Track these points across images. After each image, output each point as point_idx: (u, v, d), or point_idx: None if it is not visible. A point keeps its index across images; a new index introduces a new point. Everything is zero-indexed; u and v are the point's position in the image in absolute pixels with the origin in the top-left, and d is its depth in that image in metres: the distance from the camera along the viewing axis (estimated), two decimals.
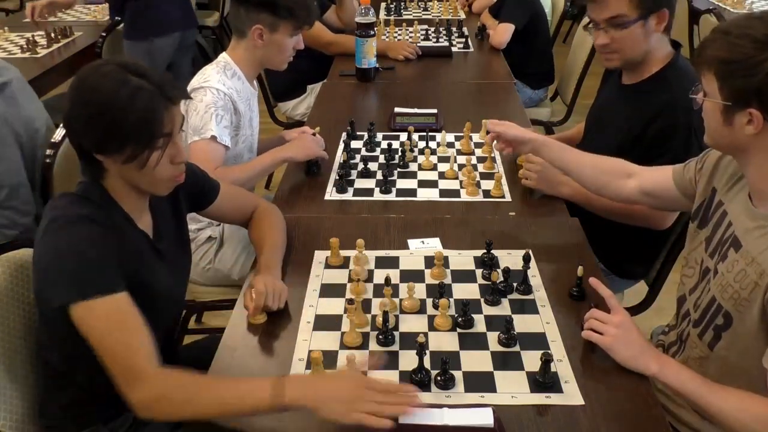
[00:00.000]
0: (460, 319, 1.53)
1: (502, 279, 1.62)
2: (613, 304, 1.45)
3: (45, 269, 1.33)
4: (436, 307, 1.57)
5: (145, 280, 1.41)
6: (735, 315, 1.37)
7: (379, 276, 1.68)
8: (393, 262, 1.76)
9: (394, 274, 1.69)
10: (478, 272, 1.72)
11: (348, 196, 2.11)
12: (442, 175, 2.21)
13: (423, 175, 2.22)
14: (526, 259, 1.64)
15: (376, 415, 1.17)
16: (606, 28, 1.96)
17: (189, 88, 2.15)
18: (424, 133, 2.40)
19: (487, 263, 1.72)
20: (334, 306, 1.59)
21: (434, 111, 2.61)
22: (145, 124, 1.32)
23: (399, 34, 3.75)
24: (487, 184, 2.13)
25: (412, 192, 2.12)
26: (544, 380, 1.35)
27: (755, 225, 1.36)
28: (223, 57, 2.25)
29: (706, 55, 1.33)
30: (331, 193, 2.12)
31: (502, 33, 3.52)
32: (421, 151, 2.31)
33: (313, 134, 2.32)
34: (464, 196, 2.09)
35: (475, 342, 1.48)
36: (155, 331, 1.40)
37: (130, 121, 1.31)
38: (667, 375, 1.37)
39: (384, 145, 2.37)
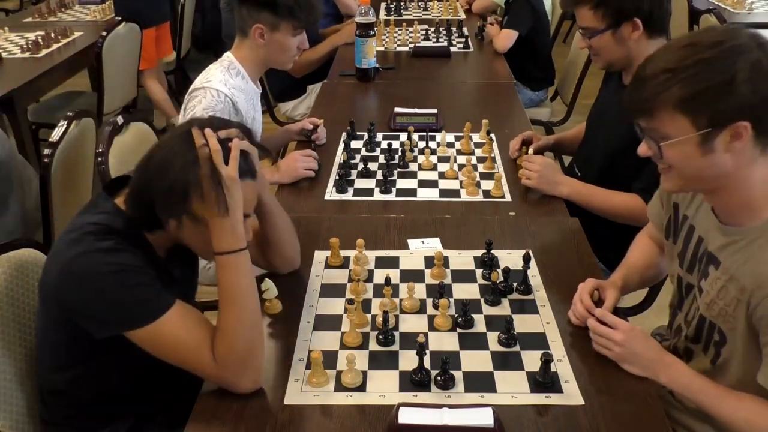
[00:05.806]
0: (460, 319, 1.53)
1: (502, 279, 1.62)
2: (611, 320, 1.43)
3: (91, 300, 1.28)
4: (436, 307, 1.57)
5: None
6: (727, 331, 1.36)
7: (379, 276, 1.68)
8: (393, 262, 1.76)
9: (394, 274, 1.68)
10: (478, 272, 1.71)
11: (348, 196, 2.11)
12: (442, 175, 2.21)
13: (423, 175, 2.21)
14: (526, 259, 1.64)
15: None
16: (584, 33, 2.06)
17: (191, 88, 2.14)
18: (424, 133, 2.40)
19: (487, 263, 1.72)
20: (334, 306, 1.59)
21: (434, 111, 2.60)
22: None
23: (399, 34, 3.75)
24: (487, 184, 2.13)
25: (412, 192, 2.12)
26: (544, 380, 1.35)
27: (727, 240, 1.35)
28: (227, 56, 2.24)
29: (662, 101, 1.24)
30: (331, 193, 2.12)
31: (504, 39, 3.52)
32: (421, 151, 2.31)
33: (315, 128, 2.40)
34: (464, 196, 2.09)
35: (475, 342, 1.48)
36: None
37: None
38: (675, 386, 1.38)
39: (384, 145, 2.36)
